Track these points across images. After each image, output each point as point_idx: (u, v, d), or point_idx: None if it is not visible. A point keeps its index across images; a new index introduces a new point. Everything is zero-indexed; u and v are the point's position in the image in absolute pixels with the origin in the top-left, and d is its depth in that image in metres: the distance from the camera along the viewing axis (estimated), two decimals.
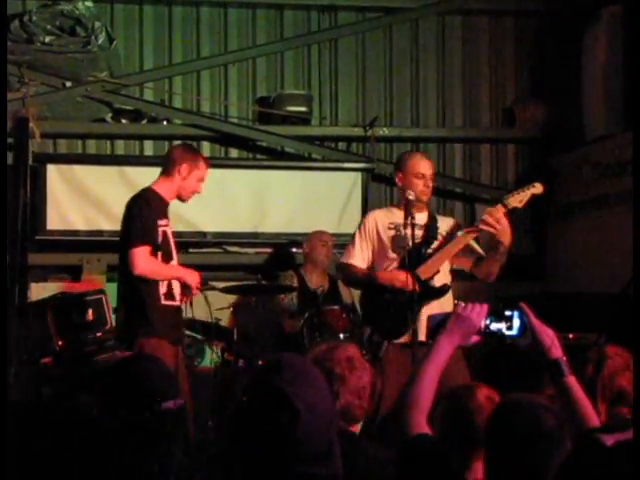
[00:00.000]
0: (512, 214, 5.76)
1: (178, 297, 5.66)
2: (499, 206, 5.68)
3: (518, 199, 5.71)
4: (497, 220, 5.58)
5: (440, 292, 5.79)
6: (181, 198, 5.77)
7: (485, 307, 3.12)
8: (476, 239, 5.83)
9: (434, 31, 9.23)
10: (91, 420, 2.62)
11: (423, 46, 9.21)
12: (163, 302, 5.56)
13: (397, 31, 9.18)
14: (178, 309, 5.71)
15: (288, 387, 2.16)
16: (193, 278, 5.67)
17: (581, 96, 8.60)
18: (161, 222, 5.62)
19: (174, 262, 5.73)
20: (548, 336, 3.07)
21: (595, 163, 8.17)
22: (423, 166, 5.91)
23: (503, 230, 5.61)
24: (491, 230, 5.62)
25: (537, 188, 5.78)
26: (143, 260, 5.47)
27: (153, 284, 5.52)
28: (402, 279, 5.63)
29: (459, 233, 5.88)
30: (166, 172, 5.71)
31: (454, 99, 9.27)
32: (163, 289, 5.56)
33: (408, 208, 5.61)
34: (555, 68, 9.07)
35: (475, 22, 9.34)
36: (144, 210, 5.56)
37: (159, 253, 5.57)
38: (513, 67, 9.34)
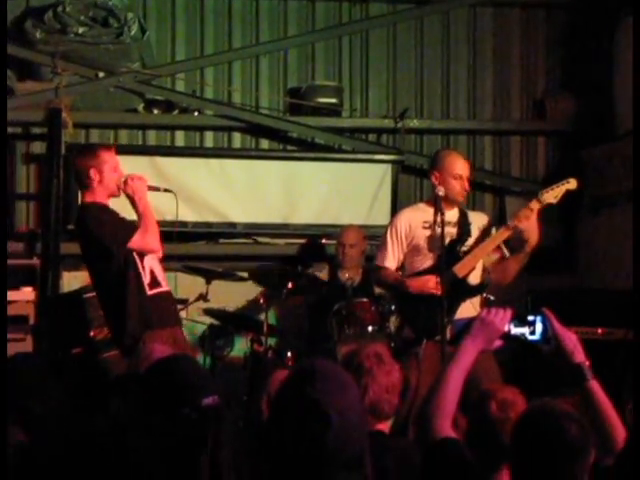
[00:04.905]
0: (543, 209, 5.77)
1: (164, 282, 5.55)
2: (534, 202, 5.69)
3: (553, 195, 5.72)
4: (528, 219, 5.61)
5: (478, 290, 5.81)
6: (113, 195, 5.55)
7: (509, 312, 3.17)
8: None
9: (465, 23, 9.20)
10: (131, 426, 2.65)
11: (454, 38, 9.18)
12: (149, 292, 5.44)
13: (428, 23, 9.15)
14: (167, 293, 5.60)
15: (321, 395, 2.19)
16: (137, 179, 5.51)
17: (612, 89, 8.59)
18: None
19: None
20: (571, 341, 3.11)
21: (626, 157, 8.14)
22: (461, 167, 5.93)
23: (533, 229, 5.63)
24: (523, 227, 5.63)
25: (572, 184, 5.79)
26: (143, 244, 5.38)
27: (135, 279, 5.39)
28: (431, 286, 5.66)
29: (493, 230, 5.90)
30: (84, 187, 5.52)
31: (485, 91, 9.24)
32: (147, 279, 5.43)
33: (438, 205, 5.63)
34: (586, 61, 9.03)
35: (506, 14, 9.30)
36: (104, 213, 5.44)
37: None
38: (544, 59, 9.29)
